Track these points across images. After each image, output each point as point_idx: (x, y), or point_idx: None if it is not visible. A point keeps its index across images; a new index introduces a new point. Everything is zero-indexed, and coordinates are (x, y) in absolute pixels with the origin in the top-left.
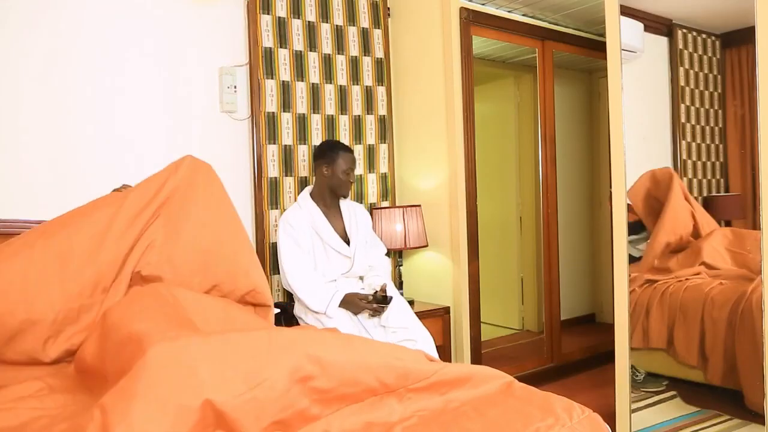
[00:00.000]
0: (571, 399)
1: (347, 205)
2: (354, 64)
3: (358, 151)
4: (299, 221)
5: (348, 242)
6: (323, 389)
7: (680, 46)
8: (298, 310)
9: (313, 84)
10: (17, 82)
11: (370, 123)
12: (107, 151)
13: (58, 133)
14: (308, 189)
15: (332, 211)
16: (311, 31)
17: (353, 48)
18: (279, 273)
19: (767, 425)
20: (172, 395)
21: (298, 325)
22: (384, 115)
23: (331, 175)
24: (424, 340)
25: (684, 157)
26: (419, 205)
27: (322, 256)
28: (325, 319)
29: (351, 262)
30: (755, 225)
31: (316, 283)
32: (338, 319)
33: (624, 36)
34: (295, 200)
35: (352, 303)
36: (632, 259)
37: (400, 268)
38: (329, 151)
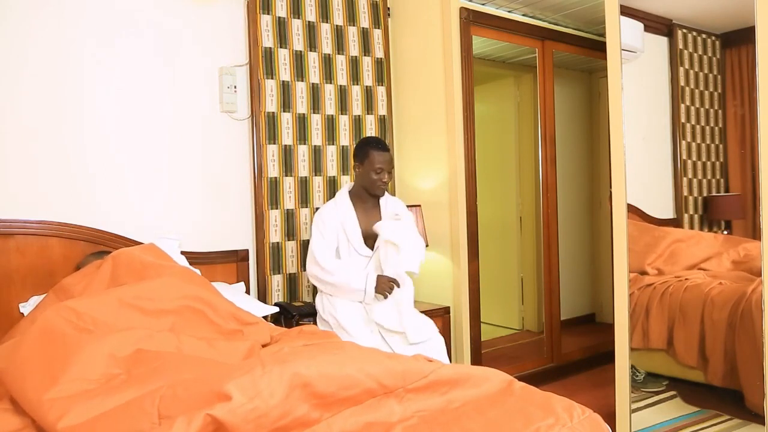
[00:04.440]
0: (571, 399)
1: (388, 204)
2: (354, 64)
3: None
4: (330, 219)
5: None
6: (322, 394)
7: (680, 46)
8: (318, 303)
9: (313, 84)
10: (20, 84)
11: (370, 123)
12: (109, 151)
13: (61, 133)
14: (348, 186)
15: (369, 211)
16: (311, 31)
17: (353, 48)
18: (279, 273)
19: (767, 425)
20: None
21: (299, 325)
22: (384, 115)
23: (363, 173)
24: (435, 349)
25: (684, 157)
26: (419, 205)
27: (346, 254)
28: (343, 319)
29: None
30: (755, 225)
31: (343, 265)
32: (358, 333)
33: (624, 36)
34: (296, 200)
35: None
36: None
37: None
38: (361, 149)
